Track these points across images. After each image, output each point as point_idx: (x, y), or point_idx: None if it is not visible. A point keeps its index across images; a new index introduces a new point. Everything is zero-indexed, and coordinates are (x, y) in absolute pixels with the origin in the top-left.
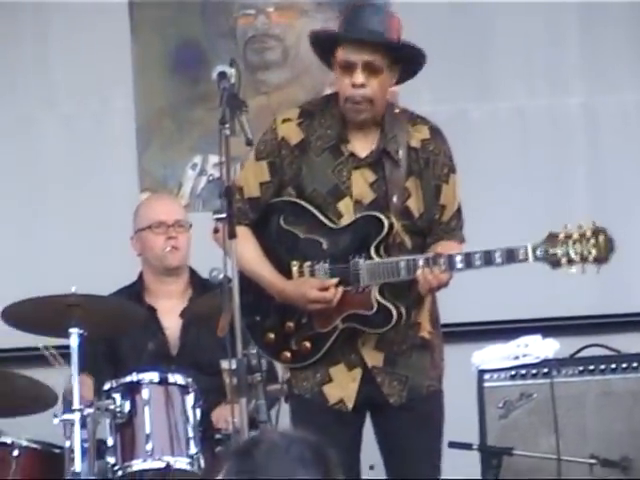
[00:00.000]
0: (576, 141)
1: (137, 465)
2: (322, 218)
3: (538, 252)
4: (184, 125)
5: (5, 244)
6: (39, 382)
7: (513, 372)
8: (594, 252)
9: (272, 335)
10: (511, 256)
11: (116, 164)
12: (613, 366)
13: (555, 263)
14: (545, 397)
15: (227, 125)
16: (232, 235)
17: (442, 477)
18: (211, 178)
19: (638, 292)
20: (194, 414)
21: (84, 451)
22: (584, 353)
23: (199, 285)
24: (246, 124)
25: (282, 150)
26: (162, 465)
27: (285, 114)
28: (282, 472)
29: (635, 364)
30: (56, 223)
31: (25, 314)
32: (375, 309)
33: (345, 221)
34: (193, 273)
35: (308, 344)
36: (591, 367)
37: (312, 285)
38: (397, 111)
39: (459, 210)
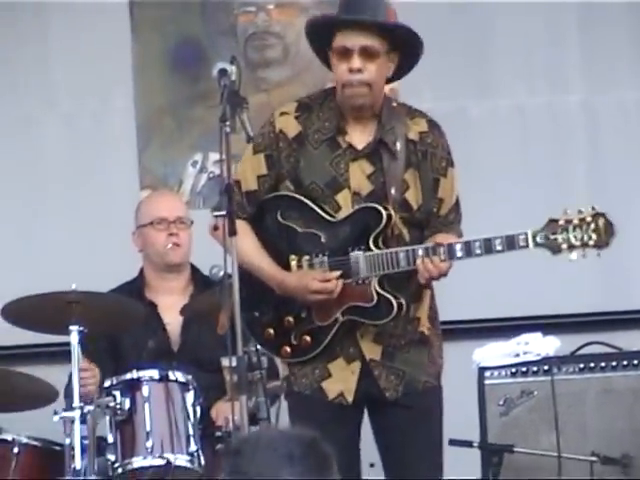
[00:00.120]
0: (576, 139)
1: (137, 462)
2: (320, 212)
3: (538, 238)
4: (184, 123)
5: (6, 242)
6: (39, 379)
7: (514, 369)
8: (595, 237)
9: (271, 330)
10: (511, 243)
11: (116, 162)
12: (614, 364)
13: (556, 249)
14: (546, 394)
15: (227, 123)
16: (232, 232)
17: (443, 474)
18: (211, 175)
19: (638, 289)
20: (194, 411)
21: (84, 448)
22: (585, 350)
23: (200, 282)
24: (246, 122)
25: (280, 143)
26: (162, 462)
27: (283, 108)
28: (268, 469)
29: (636, 362)
30: (57, 221)
31: (25, 311)
32: (375, 301)
33: (343, 213)
34: (194, 270)
35: (308, 338)
36: (592, 365)
37: (314, 276)
38: (395, 104)
39: (457, 204)
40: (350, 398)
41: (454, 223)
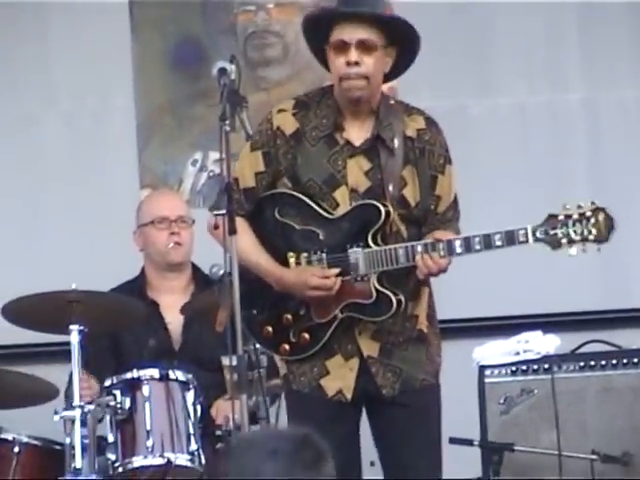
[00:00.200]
0: (576, 137)
1: (138, 461)
2: (318, 209)
3: (538, 233)
4: (184, 122)
5: (6, 242)
6: (39, 378)
7: (514, 368)
8: (595, 231)
9: (270, 328)
10: (511, 238)
11: (117, 161)
12: (614, 362)
13: (555, 244)
14: (546, 393)
15: (227, 121)
16: (232, 231)
17: (442, 474)
18: (211, 174)
19: (638, 288)
20: (195, 410)
21: (84, 447)
22: (585, 349)
23: (201, 281)
24: (246, 120)
25: (277, 140)
26: (163, 461)
27: (280, 105)
28: (253, 465)
29: (636, 360)
30: (57, 220)
31: (26, 311)
32: (374, 297)
33: (341, 210)
34: (196, 269)
35: (307, 335)
36: (592, 363)
37: (313, 272)
38: (392, 102)
39: (455, 201)
40: (349, 395)
41: (452, 220)
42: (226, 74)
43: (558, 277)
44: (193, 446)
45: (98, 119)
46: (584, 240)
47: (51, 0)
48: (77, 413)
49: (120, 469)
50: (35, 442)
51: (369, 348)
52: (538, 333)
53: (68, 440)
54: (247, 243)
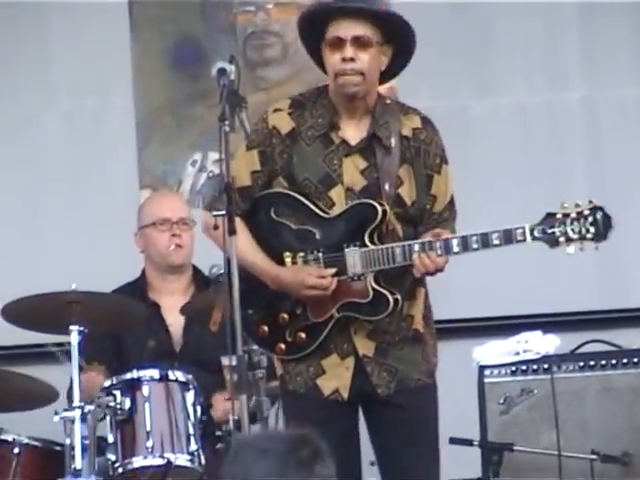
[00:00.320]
0: (576, 136)
1: (137, 462)
2: (314, 208)
3: (536, 232)
4: (184, 122)
5: (5, 242)
6: (39, 380)
7: (514, 368)
8: (592, 230)
9: (266, 327)
10: (509, 237)
11: (116, 161)
12: (614, 362)
13: (553, 242)
14: (546, 393)
15: (227, 122)
16: (232, 232)
17: (442, 474)
18: (211, 175)
19: (638, 287)
20: (194, 411)
21: (84, 448)
22: (585, 349)
23: (202, 282)
24: (246, 121)
25: (273, 139)
26: (162, 462)
27: (276, 104)
28: (244, 463)
29: (635, 360)
30: (56, 220)
31: (25, 311)
32: (371, 297)
33: (337, 210)
34: (196, 271)
35: (303, 335)
36: (592, 363)
37: (310, 272)
38: (389, 101)
39: (452, 201)
40: (345, 394)
41: (448, 220)
42: (225, 74)
43: (558, 277)
44: (193, 446)
45: (98, 119)
46: (582, 239)
47: (51, 0)
48: (77, 414)
49: (120, 470)
50: (35, 443)
51: (365, 347)
52: (538, 333)
53: (68, 441)
54: (243, 243)
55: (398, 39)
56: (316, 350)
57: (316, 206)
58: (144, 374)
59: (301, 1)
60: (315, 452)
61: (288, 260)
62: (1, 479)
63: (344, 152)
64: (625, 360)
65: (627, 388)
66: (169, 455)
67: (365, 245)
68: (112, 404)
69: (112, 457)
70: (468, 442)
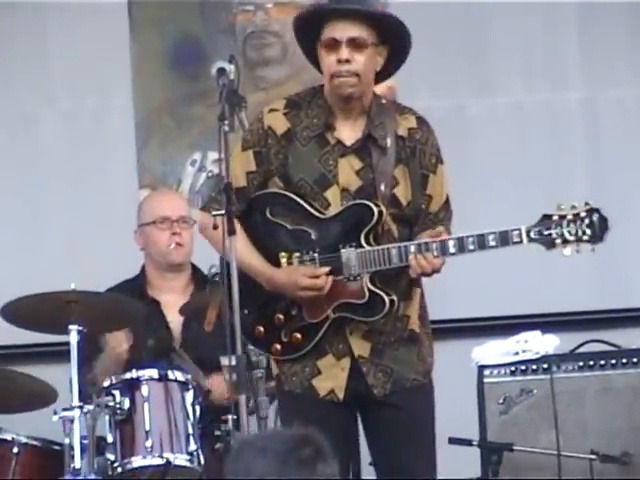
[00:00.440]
0: (575, 136)
1: (137, 462)
2: (309, 208)
3: (532, 234)
4: (183, 122)
5: (4, 241)
6: (39, 380)
7: (513, 368)
8: (589, 232)
9: (261, 328)
10: (505, 239)
11: (115, 161)
12: (613, 362)
13: (550, 244)
14: (545, 393)
15: (226, 121)
16: (232, 232)
17: (441, 474)
18: (210, 174)
19: (637, 287)
20: (194, 410)
21: (84, 448)
22: (584, 349)
23: (201, 281)
24: (245, 120)
25: (268, 139)
26: (162, 462)
27: (272, 105)
28: (244, 462)
29: (635, 359)
30: (55, 220)
31: (24, 311)
32: (367, 298)
33: (333, 210)
34: (195, 269)
35: (299, 335)
36: (591, 363)
37: (304, 272)
38: (384, 102)
39: (447, 202)
40: (341, 395)
41: (444, 220)
42: (225, 74)
43: (557, 277)
44: (192, 446)
45: (97, 119)
46: (578, 240)
47: (50, 0)
48: (76, 413)
49: (119, 469)
50: (34, 442)
51: (360, 348)
52: (537, 333)
53: (67, 440)
54: (239, 243)
55: (393, 40)
56: (312, 351)
57: (312, 206)
58: (143, 374)
59: (300, 1)
60: (317, 451)
61: (284, 260)
62: (0, 478)
63: (339, 152)
64: (624, 360)
65: (626, 388)
66: (168, 455)
67: (361, 246)
68: (111, 404)
69: (111, 457)
70: (467, 442)
